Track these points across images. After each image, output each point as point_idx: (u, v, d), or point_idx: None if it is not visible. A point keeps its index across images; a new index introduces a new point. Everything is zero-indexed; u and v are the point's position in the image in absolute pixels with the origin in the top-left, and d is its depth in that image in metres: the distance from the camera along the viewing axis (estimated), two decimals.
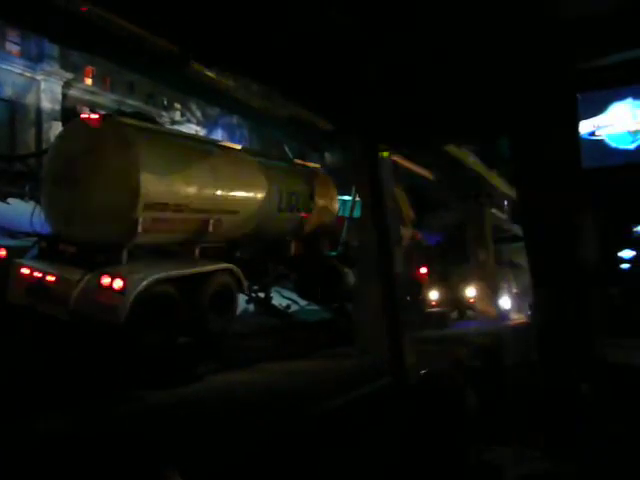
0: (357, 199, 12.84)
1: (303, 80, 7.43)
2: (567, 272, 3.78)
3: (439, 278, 19.15)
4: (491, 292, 19.55)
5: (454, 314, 19.29)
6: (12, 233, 12.01)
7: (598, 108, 3.10)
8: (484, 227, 19.48)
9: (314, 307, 13.30)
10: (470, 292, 19.14)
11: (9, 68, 21.51)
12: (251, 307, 11.88)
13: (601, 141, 3.08)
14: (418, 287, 15.11)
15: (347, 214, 13.89)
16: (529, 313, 18.35)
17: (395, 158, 13.13)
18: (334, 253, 13.52)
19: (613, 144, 3.06)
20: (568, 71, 3.59)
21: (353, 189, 13.39)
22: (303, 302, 13.41)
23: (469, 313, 19.30)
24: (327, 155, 19.41)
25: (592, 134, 3.09)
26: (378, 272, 4.08)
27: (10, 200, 15.14)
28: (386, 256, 4.46)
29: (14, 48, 22.26)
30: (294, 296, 13.27)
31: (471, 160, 16.20)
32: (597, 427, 2.11)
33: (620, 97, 3.06)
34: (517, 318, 19.17)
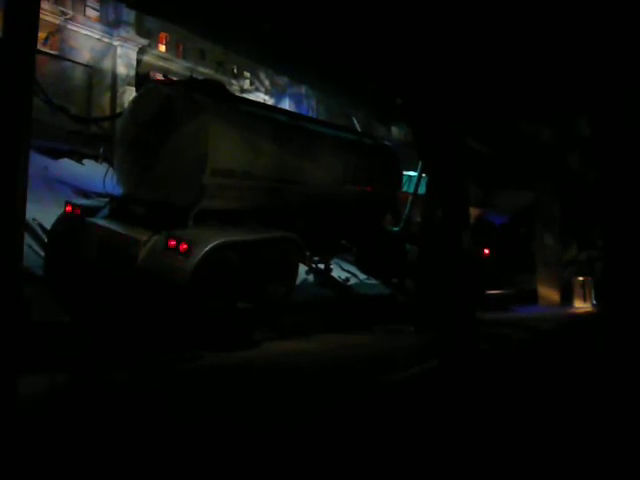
0: (423, 175, 12.60)
1: (380, 54, 7.24)
2: None
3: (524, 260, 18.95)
4: (555, 277, 18.95)
5: None
6: (86, 193, 12.52)
7: None
8: (554, 210, 18.81)
9: (373, 282, 13.26)
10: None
11: (88, 33, 22.16)
12: (311, 278, 11.96)
13: None
14: (481, 267, 14.78)
15: (412, 190, 13.66)
16: (595, 302, 17.75)
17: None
18: (396, 229, 13.38)
19: None
20: None
21: (419, 165, 13.14)
22: (362, 276, 13.39)
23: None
24: (394, 129, 19.10)
25: None
26: (444, 251, 3.98)
27: (85, 161, 15.73)
28: (453, 235, 4.33)
29: (93, 14, 22.88)
30: (354, 269, 13.26)
31: (545, 138, 15.59)
32: None
33: None
34: (582, 306, 18.54)
